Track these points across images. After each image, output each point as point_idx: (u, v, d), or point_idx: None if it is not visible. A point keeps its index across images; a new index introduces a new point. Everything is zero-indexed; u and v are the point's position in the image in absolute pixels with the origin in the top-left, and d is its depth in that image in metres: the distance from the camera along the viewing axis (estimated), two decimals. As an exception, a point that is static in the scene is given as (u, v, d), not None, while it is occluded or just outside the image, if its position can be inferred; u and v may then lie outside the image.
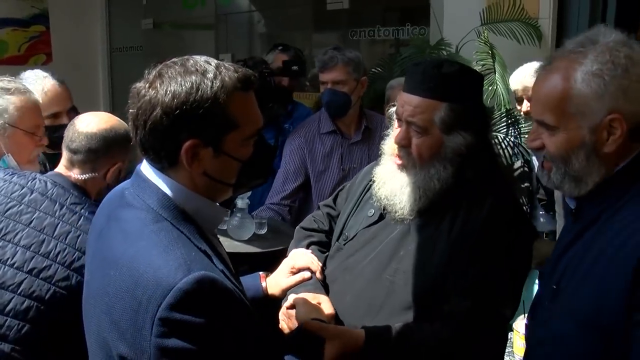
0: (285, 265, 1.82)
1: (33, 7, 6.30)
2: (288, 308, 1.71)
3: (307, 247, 1.96)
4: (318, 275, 1.80)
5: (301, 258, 1.83)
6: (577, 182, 1.39)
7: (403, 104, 1.72)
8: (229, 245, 2.66)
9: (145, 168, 1.33)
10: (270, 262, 2.90)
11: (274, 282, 1.77)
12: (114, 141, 1.97)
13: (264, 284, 1.79)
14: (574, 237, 1.43)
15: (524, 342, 1.62)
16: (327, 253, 1.94)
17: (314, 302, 1.73)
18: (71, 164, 1.97)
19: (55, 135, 2.62)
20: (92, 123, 1.97)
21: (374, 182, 1.85)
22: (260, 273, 1.80)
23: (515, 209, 1.77)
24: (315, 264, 1.81)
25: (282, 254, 2.83)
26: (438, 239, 1.69)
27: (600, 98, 1.30)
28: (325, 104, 3.02)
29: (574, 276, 1.37)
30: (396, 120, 1.78)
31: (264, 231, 2.83)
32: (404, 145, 1.73)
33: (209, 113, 1.22)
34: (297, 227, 2.09)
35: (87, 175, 1.96)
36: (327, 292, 1.79)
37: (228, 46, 5.93)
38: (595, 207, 1.39)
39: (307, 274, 1.75)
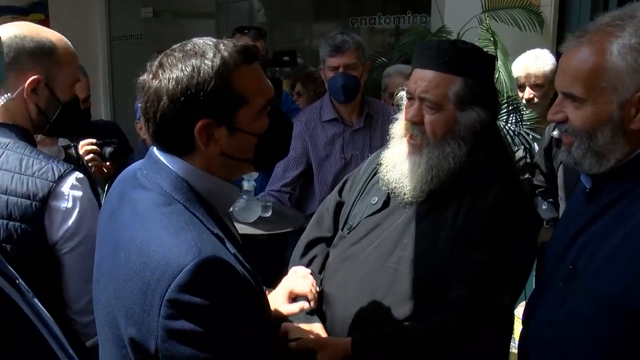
0: (285, 288, 1.76)
1: (32, -6, 6.28)
2: (280, 335, 1.68)
3: (309, 263, 1.92)
4: (313, 304, 1.75)
5: (300, 283, 1.76)
6: (599, 158, 1.37)
7: (416, 80, 1.70)
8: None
9: (157, 150, 1.32)
10: (275, 244, 2.95)
11: (273, 305, 1.70)
12: (22, 48, 1.66)
13: None
14: (591, 218, 1.41)
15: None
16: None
17: (306, 329, 1.71)
18: None
19: None
20: None
21: (380, 166, 1.82)
22: (265, 289, 1.77)
23: (520, 197, 1.75)
24: (313, 290, 1.76)
25: (285, 238, 2.89)
26: (443, 226, 1.67)
27: (635, 73, 1.28)
28: (342, 87, 2.97)
29: (594, 257, 1.35)
30: (407, 99, 1.75)
31: (269, 214, 2.84)
32: (416, 122, 1.70)
33: (215, 92, 1.21)
34: (302, 237, 2.04)
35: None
36: (321, 319, 1.77)
37: (228, 34, 5.90)
38: (615, 188, 1.37)
39: (305, 304, 1.70)
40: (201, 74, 1.20)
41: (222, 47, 1.25)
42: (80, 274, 1.66)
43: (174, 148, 1.27)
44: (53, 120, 1.76)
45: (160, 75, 1.22)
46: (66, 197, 1.64)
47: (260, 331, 1.24)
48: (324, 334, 1.71)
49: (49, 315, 1.28)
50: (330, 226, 1.98)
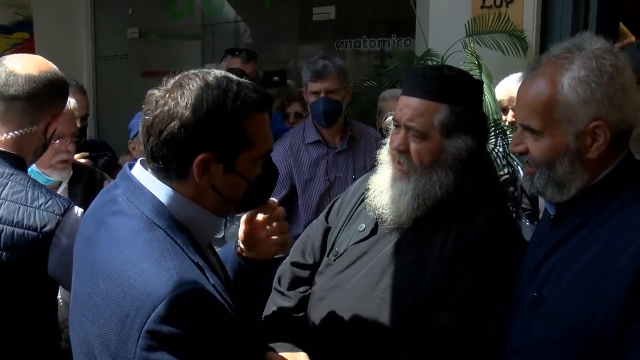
0: None
1: (17, 14, 6.24)
2: None
3: (299, 302, 1.89)
4: None
5: None
6: (560, 188, 1.39)
7: (402, 107, 1.69)
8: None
9: (138, 173, 1.30)
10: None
11: None
12: (58, 87, 1.74)
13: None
14: (555, 244, 1.42)
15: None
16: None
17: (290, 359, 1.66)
18: (4, 119, 1.68)
19: None
20: (30, 64, 1.70)
21: (368, 191, 1.80)
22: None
23: (508, 224, 1.74)
24: None
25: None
26: (430, 255, 1.65)
27: (586, 104, 1.31)
28: (323, 112, 3.00)
29: (558, 284, 1.36)
30: (394, 126, 1.73)
31: None
32: (402, 150, 1.69)
33: (227, 131, 1.22)
34: (285, 261, 2.02)
35: (23, 130, 1.69)
36: (307, 347, 1.73)
37: (214, 56, 5.91)
38: (579, 215, 1.39)
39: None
40: (220, 109, 1.21)
41: (244, 88, 1.25)
42: None
43: (166, 169, 1.25)
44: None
45: (178, 97, 1.21)
46: (68, 232, 1.63)
47: None
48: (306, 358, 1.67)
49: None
50: (317, 254, 1.95)
